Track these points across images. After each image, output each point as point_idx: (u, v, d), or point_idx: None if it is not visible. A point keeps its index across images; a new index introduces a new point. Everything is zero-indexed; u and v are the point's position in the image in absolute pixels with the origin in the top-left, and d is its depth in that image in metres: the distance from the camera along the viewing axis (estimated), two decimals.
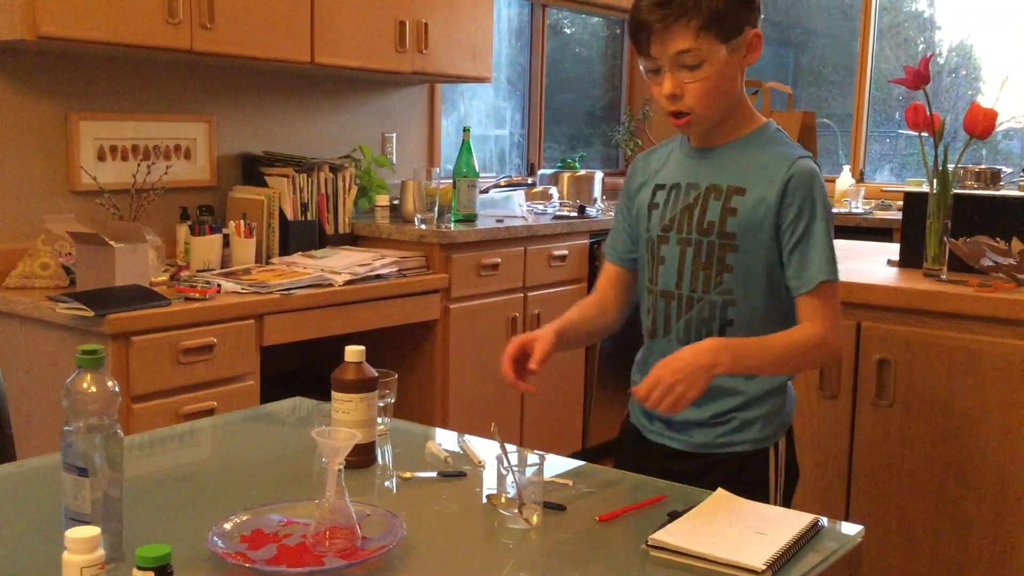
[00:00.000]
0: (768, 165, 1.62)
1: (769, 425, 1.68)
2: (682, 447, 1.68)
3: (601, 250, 3.65)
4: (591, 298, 1.82)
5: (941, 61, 5.04)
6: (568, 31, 5.38)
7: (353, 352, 1.57)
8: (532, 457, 1.42)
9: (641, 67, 1.63)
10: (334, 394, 1.56)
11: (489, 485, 1.52)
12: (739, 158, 1.65)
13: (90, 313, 2.42)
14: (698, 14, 1.54)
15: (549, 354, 1.59)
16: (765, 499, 1.62)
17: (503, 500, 1.39)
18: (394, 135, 4.07)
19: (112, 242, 2.59)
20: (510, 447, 1.45)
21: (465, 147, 3.67)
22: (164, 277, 2.88)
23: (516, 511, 1.36)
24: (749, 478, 1.48)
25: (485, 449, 1.66)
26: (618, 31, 5.48)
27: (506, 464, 1.39)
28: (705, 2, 1.54)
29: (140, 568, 0.98)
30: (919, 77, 2.35)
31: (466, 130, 3.72)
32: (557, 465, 1.61)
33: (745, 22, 1.58)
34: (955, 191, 2.39)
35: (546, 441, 3.81)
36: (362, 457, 1.55)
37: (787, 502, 1.72)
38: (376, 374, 1.59)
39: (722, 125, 1.66)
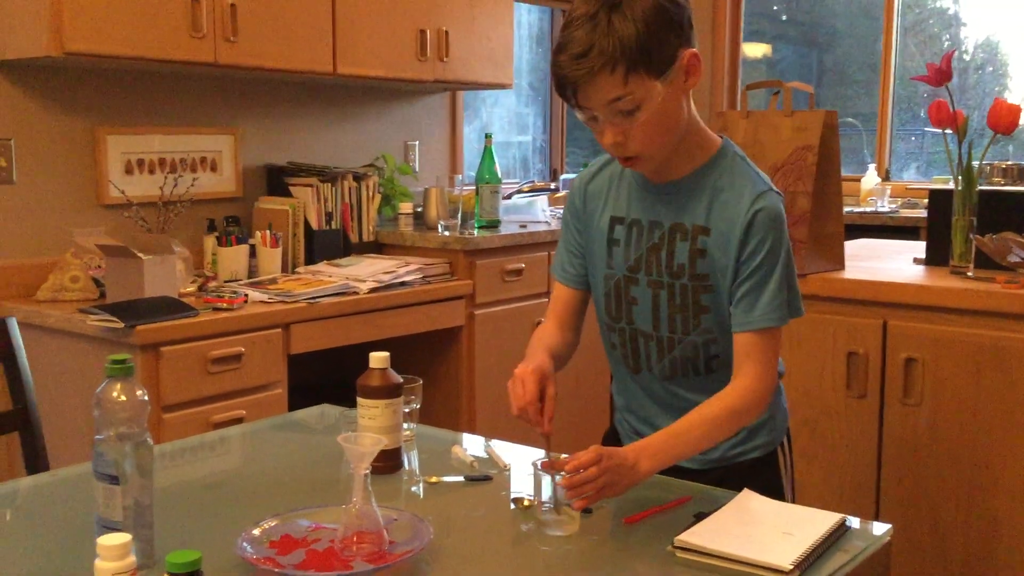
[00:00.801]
0: (730, 200, 1.53)
1: (774, 428, 1.68)
2: (695, 465, 1.63)
3: None
4: (550, 329, 1.68)
5: (967, 57, 5.00)
6: None
7: (378, 358, 1.58)
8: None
9: (578, 116, 1.49)
10: (360, 400, 1.58)
11: (516, 489, 1.53)
12: (699, 192, 1.55)
13: (120, 324, 2.45)
14: (623, 58, 1.38)
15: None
16: (780, 499, 1.60)
17: (537, 505, 1.38)
18: (416, 143, 4.09)
19: (141, 254, 2.62)
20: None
21: (487, 153, 3.69)
22: (192, 288, 2.91)
23: (557, 517, 1.36)
24: (763, 483, 1.47)
25: (511, 453, 1.67)
26: None
27: (551, 473, 1.36)
28: (626, 41, 1.37)
29: (171, 574, 0.99)
30: (941, 74, 2.33)
31: (488, 136, 3.73)
32: None
33: (677, 47, 1.43)
34: (980, 187, 2.38)
35: (573, 442, 3.80)
36: (388, 462, 1.56)
37: (795, 498, 1.72)
38: (401, 380, 1.60)
39: (675, 155, 1.53)
